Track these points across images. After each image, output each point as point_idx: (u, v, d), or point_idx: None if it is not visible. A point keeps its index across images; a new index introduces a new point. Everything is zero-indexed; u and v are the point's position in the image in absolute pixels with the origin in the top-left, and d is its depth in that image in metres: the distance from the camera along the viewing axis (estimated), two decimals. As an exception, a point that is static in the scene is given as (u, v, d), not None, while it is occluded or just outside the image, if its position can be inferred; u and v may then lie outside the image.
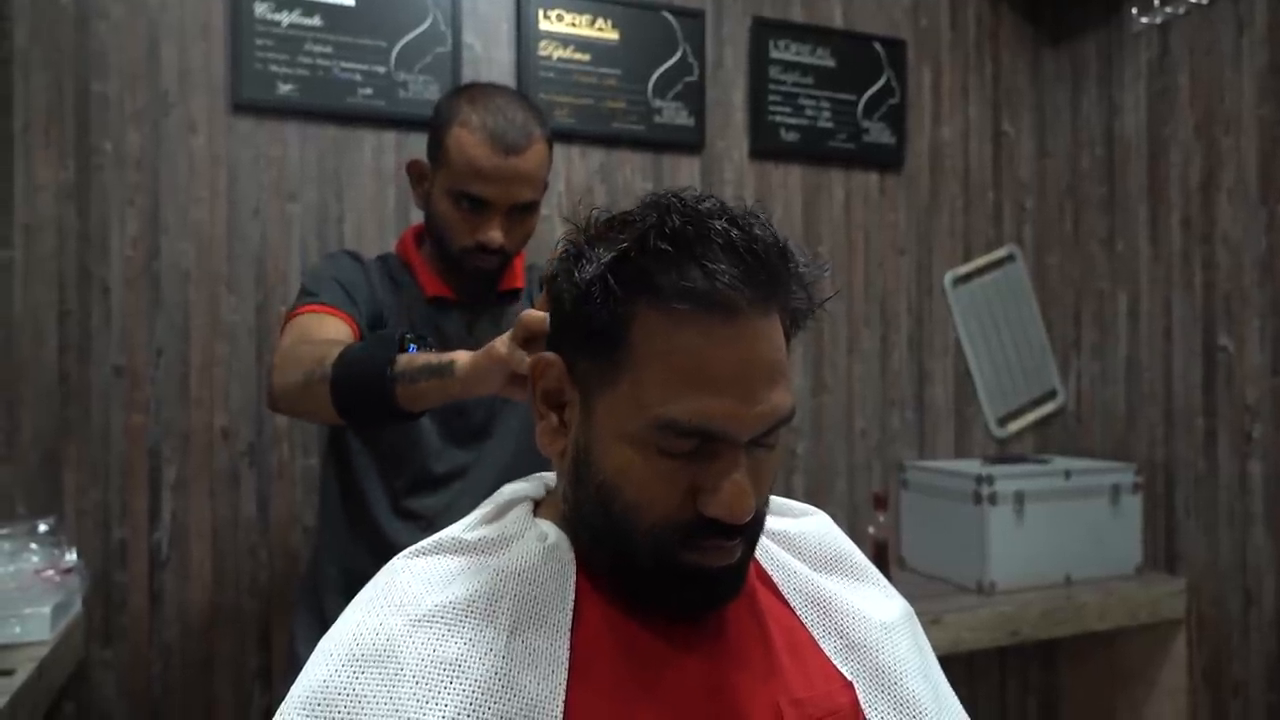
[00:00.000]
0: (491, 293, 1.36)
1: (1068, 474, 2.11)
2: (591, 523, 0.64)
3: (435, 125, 1.30)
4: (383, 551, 0.91)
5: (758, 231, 0.60)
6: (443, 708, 0.57)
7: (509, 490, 0.74)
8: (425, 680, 0.59)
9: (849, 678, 0.69)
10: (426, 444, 1.31)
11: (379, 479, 1.32)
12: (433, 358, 0.97)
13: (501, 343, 0.83)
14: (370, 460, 1.33)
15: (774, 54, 2.16)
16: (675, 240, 0.59)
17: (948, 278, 2.37)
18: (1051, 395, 2.46)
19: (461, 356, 0.93)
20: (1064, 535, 2.09)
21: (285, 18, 1.74)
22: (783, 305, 0.62)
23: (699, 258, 0.58)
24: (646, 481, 0.61)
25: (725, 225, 0.60)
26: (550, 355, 0.66)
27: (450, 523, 0.73)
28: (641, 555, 0.62)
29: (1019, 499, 2.04)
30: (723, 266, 0.58)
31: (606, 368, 0.62)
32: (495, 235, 1.26)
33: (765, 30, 2.15)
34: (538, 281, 1.45)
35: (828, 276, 0.66)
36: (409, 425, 1.24)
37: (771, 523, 0.75)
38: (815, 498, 2.19)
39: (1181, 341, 2.16)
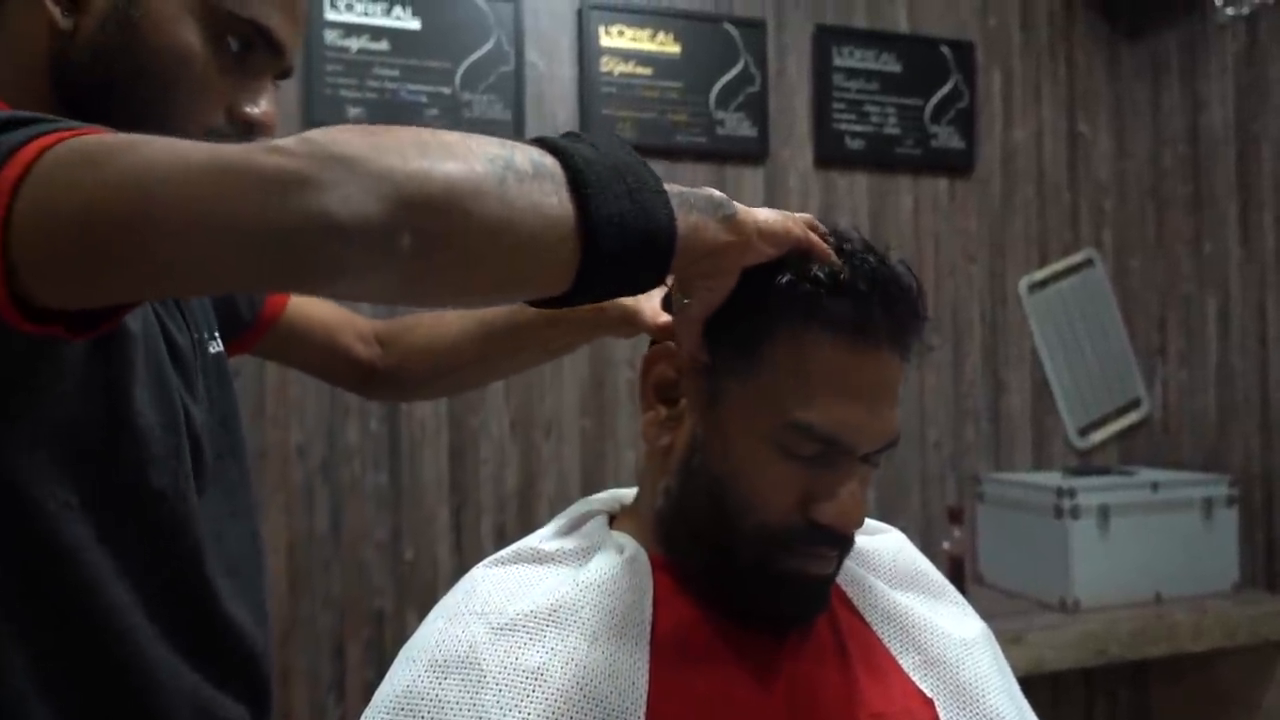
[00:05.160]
0: None
1: (1155, 486, 2.01)
2: (694, 516, 0.65)
3: None
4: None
5: (898, 271, 0.64)
6: (525, 716, 0.58)
7: (583, 504, 0.74)
8: (508, 688, 0.59)
9: (929, 694, 0.67)
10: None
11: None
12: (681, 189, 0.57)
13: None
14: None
15: (837, 61, 2.13)
16: (839, 271, 0.62)
17: (1023, 284, 2.30)
18: (1136, 404, 2.36)
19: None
20: (1153, 550, 1.99)
21: (354, 43, 1.79)
22: (903, 348, 0.64)
23: (858, 290, 0.62)
24: (764, 480, 0.62)
25: (879, 263, 0.63)
26: (672, 345, 0.66)
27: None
28: (743, 554, 0.63)
29: (1103, 512, 1.95)
30: (876, 299, 0.62)
31: (743, 361, 0.62)
32: (271, 111, 0.76)
33: (828, 37, 2.13)
34: None
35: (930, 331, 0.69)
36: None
37: (847, 539, 0.73)
38: (888, 512, 2.14)
39: (1278, 347, 2.05)
